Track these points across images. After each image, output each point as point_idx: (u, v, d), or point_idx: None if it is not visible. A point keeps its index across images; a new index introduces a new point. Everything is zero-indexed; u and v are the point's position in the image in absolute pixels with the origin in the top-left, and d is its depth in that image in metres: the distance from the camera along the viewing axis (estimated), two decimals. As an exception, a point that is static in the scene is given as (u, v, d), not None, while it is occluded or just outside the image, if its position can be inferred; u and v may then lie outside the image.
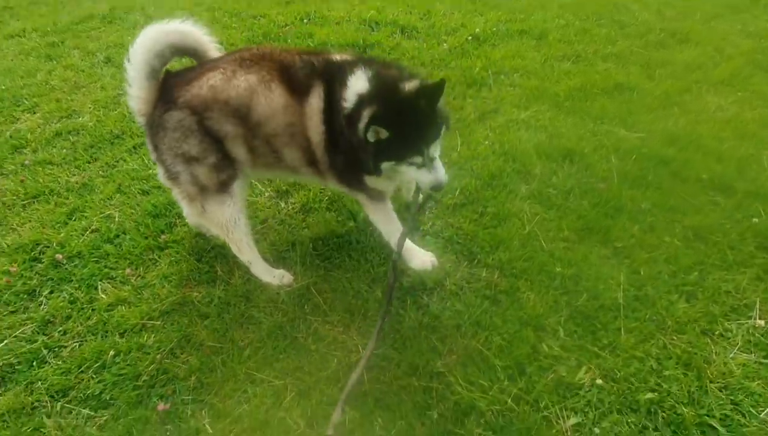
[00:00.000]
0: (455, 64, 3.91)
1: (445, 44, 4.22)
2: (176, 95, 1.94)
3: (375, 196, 2.18)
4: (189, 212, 2.41)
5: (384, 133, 1.77)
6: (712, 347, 1.86)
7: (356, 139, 1.87)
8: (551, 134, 3.07)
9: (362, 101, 1.84)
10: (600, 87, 3.54)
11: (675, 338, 1.91)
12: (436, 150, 1.88)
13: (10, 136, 3.55)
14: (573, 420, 1.66)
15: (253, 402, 1.84)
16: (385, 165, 1.87)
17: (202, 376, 1.94)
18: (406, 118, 1.79)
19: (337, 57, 2.01)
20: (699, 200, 2.51)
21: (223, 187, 2.07)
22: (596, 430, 1.63)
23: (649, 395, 1.69)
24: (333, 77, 1.92)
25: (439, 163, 1.90)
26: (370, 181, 2.07)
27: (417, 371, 1.88)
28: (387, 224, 2.24)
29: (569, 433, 1.64)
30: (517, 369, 1.82)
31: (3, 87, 4.21)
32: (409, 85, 1.85)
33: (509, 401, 1.72)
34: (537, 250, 2.29)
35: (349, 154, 1.95)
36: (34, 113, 3.87)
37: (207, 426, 1.77)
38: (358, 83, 1.87)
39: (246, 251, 2.23)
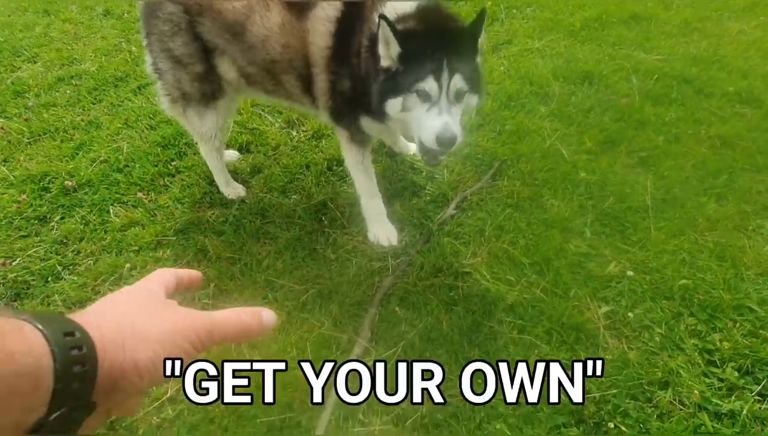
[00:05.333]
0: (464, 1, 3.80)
1: (454, -20, 4.08)
2: None
3: (358, 139, 1.88)
4: (167, 108, 2.16)
5: (395, 48, 1.42)
6: (746, 241, 1.81)
7: (369, 64, 1.55)
8: (568, 60, 2.97)
9: (400, 20, 1.51)
10: (616, 17, 3.42)
11: (707, 234, 1.85)
12: (459, 92, 1.48)
13: (12, 84, 3.47)
14: (605, 308, 1.62)
15: (274, 306, 1.80)
16: (392, 102, 1.50)
17: (221, 284, 1.90)
18: (430, 34, 1.44)
19: None
20: (725, 112, 2.43)
21: (207, 99, 1.97)
22: (630, 315, 1.59)
23: (683, 282, 1.64)
24: None
25: (457, 112, 1.49)
26: (365, 122, 1.76)
27: (441, 272, 1.83)
28: (361, 172, 1.95)
29: (602, 320, 1.59)
30: (545, 265, 1.77)
31: (1, 39, 4.12)
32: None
33: (538, 292, 1.68)
34: (559, 161, 2.23)
35: (355, 83, 1.68)
36: (35, 63, 3.79)
37: (229, 327, 1.73)
38: (404, 3, 1.55)
39: (212, 162, 2.24)
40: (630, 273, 1.71)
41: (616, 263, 1.75)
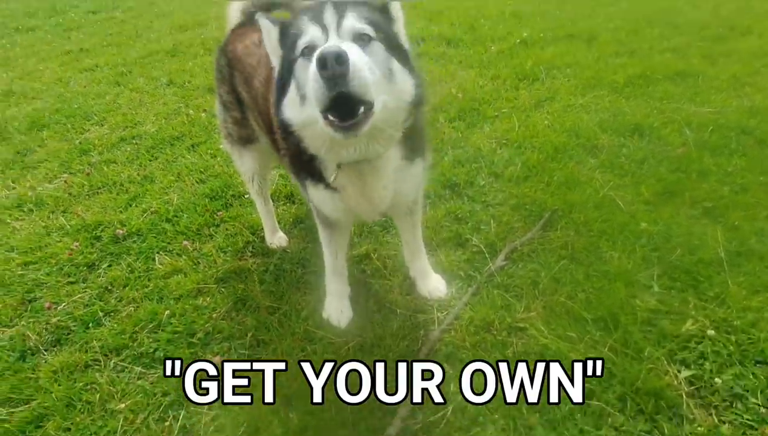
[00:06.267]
0: (505, 64, 3.90)
1: (492, 47, 4.23)
2: (228, 40, 1.98)
3: (321, 216, 1.65)
4: (222, 143, 2.26)
5: (274, 34, 1.23)
6: None
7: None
8: (614, 114, 2.92)
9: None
10: (661, 73, 3.39)
11: (796, 290, 1.63)
12: (358, 35, 1.12)
13: (79, 143, 3.76)
14: (686, 372, 1.41)
15: (313, 359, 1.69)
16: (289, 99, 1.18)
17: (258, 334, 1.82)
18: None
19: None
20: (795, 163, 2.26)
21: (244, 142, 2.05)
22: (717, 381, 1.37)
23: (779, 344, 1.43)
24: None
25: (354, 48, 1.07)
26: (311, 190, 1.50)
27: (491, 327, 1.68)
28: (326, 253, 1.80)
29: (684, 385, 1.38)
30: (611, 321, 1.59)
31: (75, 105, 4.54)
32: None
33: (605, 351, 1.49)
34: (615, 211, 2.10)
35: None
36: (102, 126, 4.12)
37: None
38: None
39: (259, 208, 2.27)
40: (711, 332, 1.50)
41: (693, 321, 1.56)
